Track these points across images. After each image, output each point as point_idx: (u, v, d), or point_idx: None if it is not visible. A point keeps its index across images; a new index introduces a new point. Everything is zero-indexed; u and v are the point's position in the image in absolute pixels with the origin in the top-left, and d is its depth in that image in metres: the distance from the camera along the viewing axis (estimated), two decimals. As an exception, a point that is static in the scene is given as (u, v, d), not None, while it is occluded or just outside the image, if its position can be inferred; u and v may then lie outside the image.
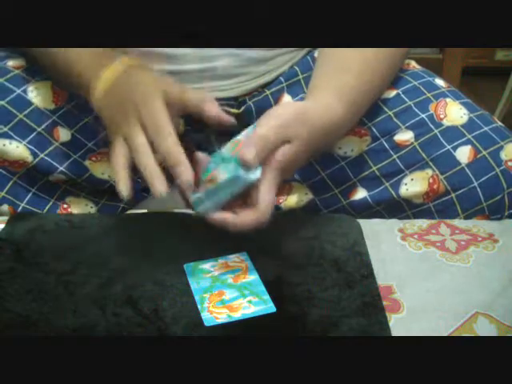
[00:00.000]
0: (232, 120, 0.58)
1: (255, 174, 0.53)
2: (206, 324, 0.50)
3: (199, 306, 0.52)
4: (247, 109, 0.71)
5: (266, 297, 0.53)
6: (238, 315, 0.52)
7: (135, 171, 0.64)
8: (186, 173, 0.54)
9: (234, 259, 0.58)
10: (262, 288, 0.54)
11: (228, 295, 0.54)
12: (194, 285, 0.55)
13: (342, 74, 0.63)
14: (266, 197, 0.54)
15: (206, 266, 0.58)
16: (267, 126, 0.55)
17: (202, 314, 0.51)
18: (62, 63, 0.65)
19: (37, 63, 0.72)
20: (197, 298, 0.53)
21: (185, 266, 0.57)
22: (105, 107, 0.60)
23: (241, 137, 0.58)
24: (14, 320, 0.51)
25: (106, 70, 0.60)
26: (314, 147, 0.59)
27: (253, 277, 0.56)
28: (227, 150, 0.57)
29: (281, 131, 0.55)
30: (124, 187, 0.56)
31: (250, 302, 0.53)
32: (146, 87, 0.57)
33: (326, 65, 0.66)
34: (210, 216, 0.54)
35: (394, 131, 0.71)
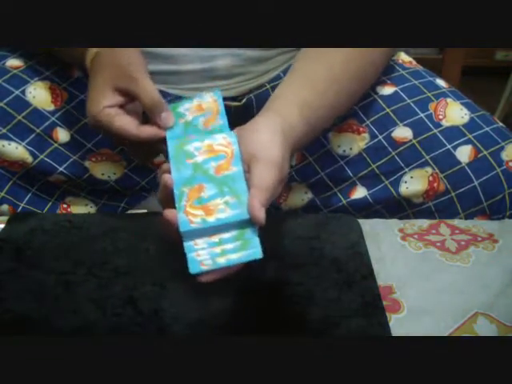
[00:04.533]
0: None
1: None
2: (182, 229, 0.48)
3: (177, 204, 0.50)
4: (248, 102, 0.71)
5: (244, 198, 0.49)
6: (212, 219, 0.48)
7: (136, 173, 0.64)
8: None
9: (221, 141, 0.53)
10: (243, 185, 0.50)
11: (207, 192, 0.50)
12: (174, 172, 0.51)
13: (306, 91, 0.60)
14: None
15: (191, 147, 0.53)
16: (268, 180, 0.50)
17: (179, 215, 0.49)
18: None
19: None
20: (176, 192, 0.50)
21: (168, 143, 0.55)
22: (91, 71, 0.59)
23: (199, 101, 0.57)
24: (14, 320, 0.51)
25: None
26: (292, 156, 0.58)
27: (235, 168, 0.51)
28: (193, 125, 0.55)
29: (279, 178, 0.52)
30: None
31: (226, 203, 0.49)
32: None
33: (293, 79, 0.63)
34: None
35: (392, 128, 0.71)
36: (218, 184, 0.50)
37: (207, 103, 0.57)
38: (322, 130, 0.63)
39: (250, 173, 0.51)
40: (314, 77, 0.61)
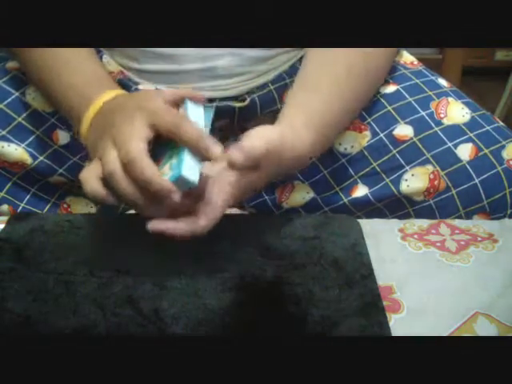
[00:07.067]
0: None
1: (195, 177, 0.51)
2: None
3: None
4: (251, 102, 0.71)
5: (183, 157, 0.51)
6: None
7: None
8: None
9: None
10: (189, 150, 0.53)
11: (163, 160, 0.54)
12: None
13: (311, 98, 0.63)
14: (211, 215, 0.53)
15: None
16: (252, 146, 0.53)
17: None
18: (54, 95, 0.64)
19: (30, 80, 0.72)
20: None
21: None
22: (89, 143, 0.58)
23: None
24: (14, 320, 0.51)
25: (90, 108, 0.58)
26: (275, 176, 0.59)
27: None
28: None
29: (257, 159, 0.54)
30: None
31: (170, 165, 0.53)
32: (124, 115, 0.54)
33: (298, 88, 0.65)
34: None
35: (393, 126, 0.71)
36: (171, 152, 0.54)
37: None
38: (333, 135, 0.67)
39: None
40: (318, 84, 0.64)
